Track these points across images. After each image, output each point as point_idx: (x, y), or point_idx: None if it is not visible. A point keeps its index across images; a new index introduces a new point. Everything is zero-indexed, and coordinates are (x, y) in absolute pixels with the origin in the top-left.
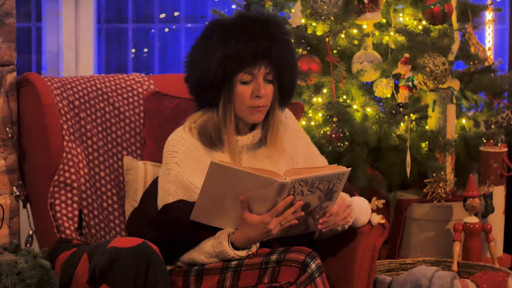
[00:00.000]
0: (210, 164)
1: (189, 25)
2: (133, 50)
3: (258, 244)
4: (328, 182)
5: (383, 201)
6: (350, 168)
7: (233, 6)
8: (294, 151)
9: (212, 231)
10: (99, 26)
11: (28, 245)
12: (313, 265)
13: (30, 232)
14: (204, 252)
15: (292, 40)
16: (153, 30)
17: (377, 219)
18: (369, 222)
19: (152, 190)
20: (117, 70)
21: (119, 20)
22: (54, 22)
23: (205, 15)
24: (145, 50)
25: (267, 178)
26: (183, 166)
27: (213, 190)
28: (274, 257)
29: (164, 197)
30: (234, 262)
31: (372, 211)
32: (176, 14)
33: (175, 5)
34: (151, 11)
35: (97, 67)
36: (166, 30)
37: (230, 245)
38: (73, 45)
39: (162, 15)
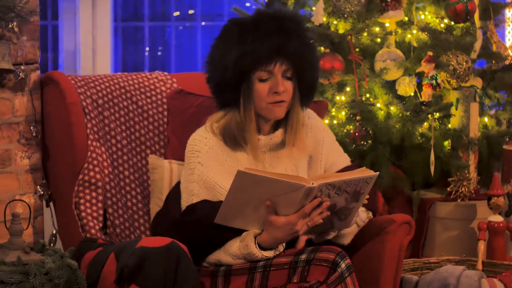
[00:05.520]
0: (237, 173)
1: (203, 23)
2: (147, 48)
3: (284, 244)
4: (356, 185)
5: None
6: (378, 173)
7: (248, 4)
8: (318, 150)
9: (237, 231)
10: (116, 24)
11: (51, 245)
12: (343, 265)
13: (54, 232)
14: (230, 253)
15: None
16: (166, 28)
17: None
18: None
19: (175, 191)
20: (134, 69)
21: (135, 19)
22: (71, 21)
23: (222, 13)
24: (160, 48)
25: (295, 184)
26: (207, 165)
27: (239, 196)
28: (303, 256)
29: (188, 198)
30: (262, 262)
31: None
32: (191, 12)
33: (191, 4)
34: (167, 9)
35: (114, 66)
36: (181, 28)
37: (257, 246)
38: (90, 43)
39: (176, 13)
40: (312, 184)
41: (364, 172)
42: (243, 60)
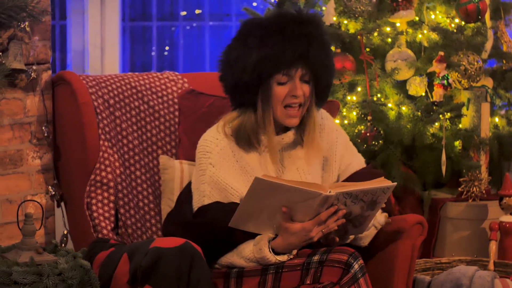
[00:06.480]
0: (255, 179)
1: (211, 23)
2: (153, 48)
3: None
4: (373, 195)
5: None
6: (395, 183)
7: (255, 4)
8: (332, 151)
9: (250, 234)
10: (124, 24)
11: (63, 245)
12: (356, 266)
13: (65, 232)
14: (243, 256)
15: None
16: (173, 28)
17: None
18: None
19: (187, 192)
20: (142, 68)
21: (143, 18)
22: (79, 20)
23: (230, 13)
24: (166, 48)
25: (312, 192)
26: (218, 167)
27: (255, 202)
28: (316, 257)
29: (199, 199)
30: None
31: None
32: (198, 12)
33: (199, 3)
34: (175, 9)
35: (122, 65)
36: (188, 28)
37: (271, 250)
38: (98, 43)
39: (183, 13)
40: (329, 192)
41: (382, 182)
42: (264, 64)
